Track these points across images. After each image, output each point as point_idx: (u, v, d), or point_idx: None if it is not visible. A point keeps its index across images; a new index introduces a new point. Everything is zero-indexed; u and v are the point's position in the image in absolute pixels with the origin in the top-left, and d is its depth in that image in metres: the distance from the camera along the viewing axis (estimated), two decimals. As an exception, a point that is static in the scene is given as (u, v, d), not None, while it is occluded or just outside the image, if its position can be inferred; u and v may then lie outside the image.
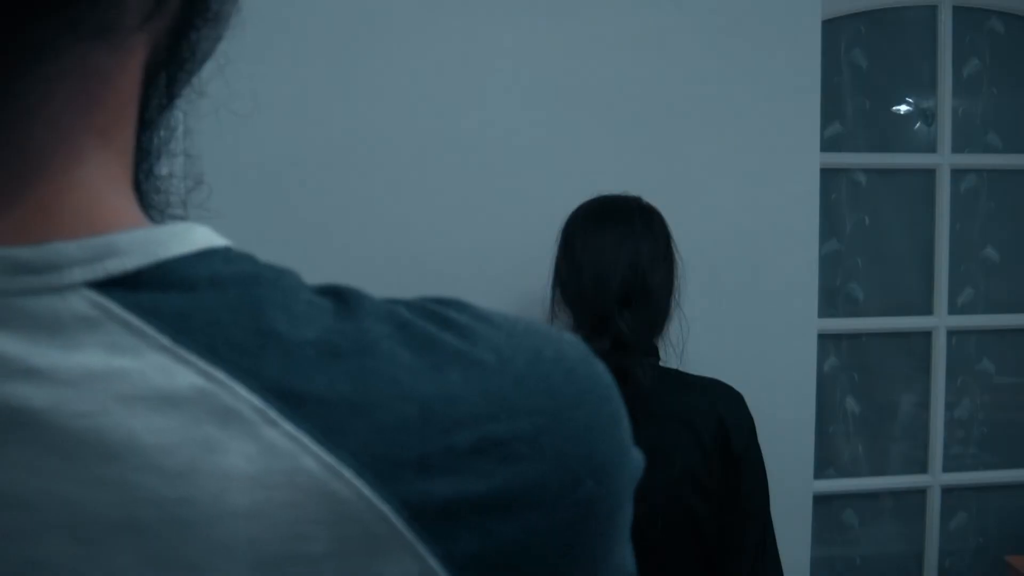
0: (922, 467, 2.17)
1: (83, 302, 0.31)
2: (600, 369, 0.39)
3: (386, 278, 1.61)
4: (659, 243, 1.46)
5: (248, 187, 1.60)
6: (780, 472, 1.64)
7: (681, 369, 1.50)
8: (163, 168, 0.39)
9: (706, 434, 1.38)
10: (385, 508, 0.32)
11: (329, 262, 1.62)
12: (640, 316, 1.41)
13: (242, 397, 0.31)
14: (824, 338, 2.06)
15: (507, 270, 1.70)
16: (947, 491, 2.18)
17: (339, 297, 0.35)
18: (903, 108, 2.18)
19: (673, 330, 1.53)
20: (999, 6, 2.14)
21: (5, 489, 0.29)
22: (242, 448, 0.31)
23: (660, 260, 1.45)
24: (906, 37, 2.13)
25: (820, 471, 2.09)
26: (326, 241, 1.66)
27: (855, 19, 2.10)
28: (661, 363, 1.49)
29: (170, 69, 0.37)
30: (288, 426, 0.31)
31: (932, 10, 2.11)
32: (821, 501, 2.10)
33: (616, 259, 1.40)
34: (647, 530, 1.20)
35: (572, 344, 0.38)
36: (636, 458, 0.40)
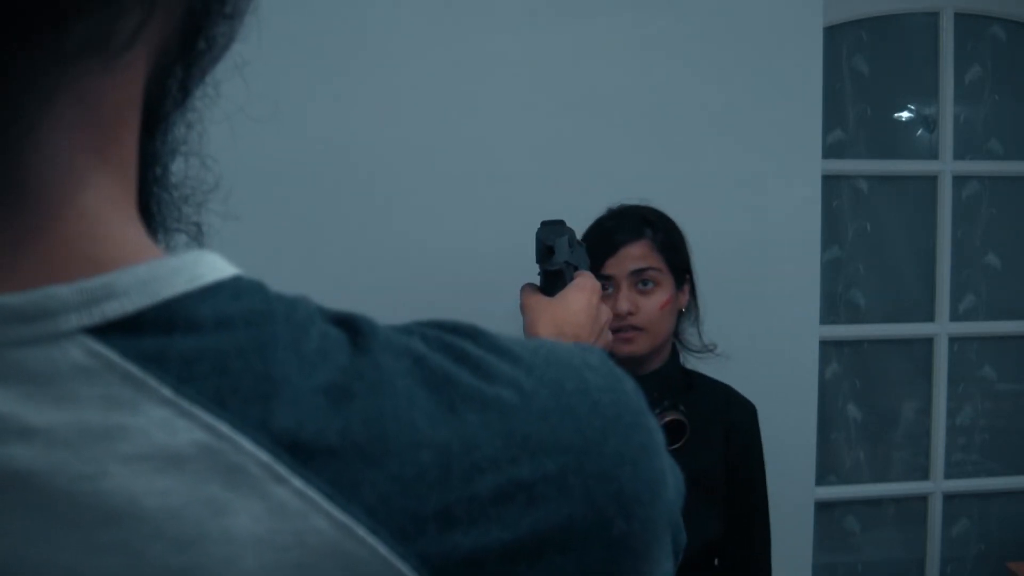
0: (924, 474, 2.17)
1: (80, 351, 0.29)
2: (628, 392, 0.37)
3: (398, 282, 1.61)
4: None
5: (261, 191, 1.59)
6: (782, 479, 1.64)
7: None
8: (179, 172, 0.38)
9: None
10: (403, 566, 0.30)
11: (341, 265, 1.62)
12: None
13: (248, 452, 0.29)
14: (826, 345, 2.06)
15: (513, 276, 1.70)
16: (949, 498, 2.18)
17: (353, 328, 0.33)
18: (905, 115, 2.18)
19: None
20: (1001, 13, 2.14)
21: (2, 561, 0.28)
22: (249, 508, 0.29)
23: None
24: (908, 44, 2.13)
25: (822, 478, 2.08)
26: (339, 245, 1.66)
27: (857, 25, 2.10)
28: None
29: (185, 63, 0.35)
30: (297, 482, 0.29)
31: (934, 17, 2.11)
32: (823, 508, 2.10)
33: None
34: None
35: (597, 369, 0.36)
36: (674, 482, 0.38)
